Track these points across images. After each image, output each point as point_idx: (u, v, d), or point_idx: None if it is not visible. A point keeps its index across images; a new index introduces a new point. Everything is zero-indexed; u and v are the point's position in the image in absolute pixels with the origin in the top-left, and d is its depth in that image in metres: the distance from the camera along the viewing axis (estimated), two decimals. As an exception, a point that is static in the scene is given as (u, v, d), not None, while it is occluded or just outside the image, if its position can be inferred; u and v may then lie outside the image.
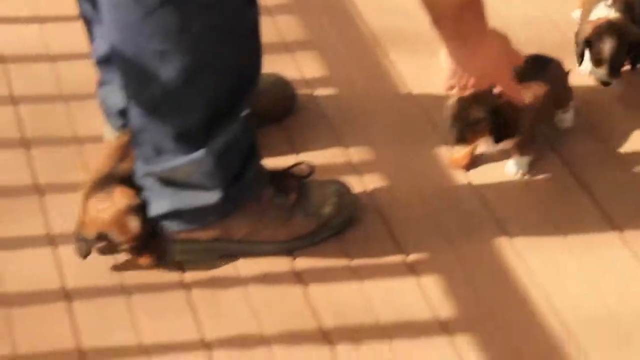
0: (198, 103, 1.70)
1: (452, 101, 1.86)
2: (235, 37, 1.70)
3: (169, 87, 1.68)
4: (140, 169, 1.78)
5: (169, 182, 1.76)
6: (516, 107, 1.88)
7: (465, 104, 1.84)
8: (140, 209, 1.78)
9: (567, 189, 1.94)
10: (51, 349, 1.68)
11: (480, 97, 1.85)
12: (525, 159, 1.96)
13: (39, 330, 1.71)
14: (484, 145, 1.94)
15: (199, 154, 1.72)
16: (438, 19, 1.71)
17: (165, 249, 1.79)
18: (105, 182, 1.79)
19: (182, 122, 1.71)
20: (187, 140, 1.72)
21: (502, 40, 1.80)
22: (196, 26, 1.65)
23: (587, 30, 2.04)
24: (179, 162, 1.73)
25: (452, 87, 1.84)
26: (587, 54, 2.07)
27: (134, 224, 1.77)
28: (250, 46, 1.74)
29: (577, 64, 2.07)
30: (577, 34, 2.09)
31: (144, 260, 1.79)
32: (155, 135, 1.73)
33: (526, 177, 1.96)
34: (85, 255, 1.78)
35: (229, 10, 1.67)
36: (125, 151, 1.87)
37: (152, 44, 1.65)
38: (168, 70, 1.67)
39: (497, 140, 1.88)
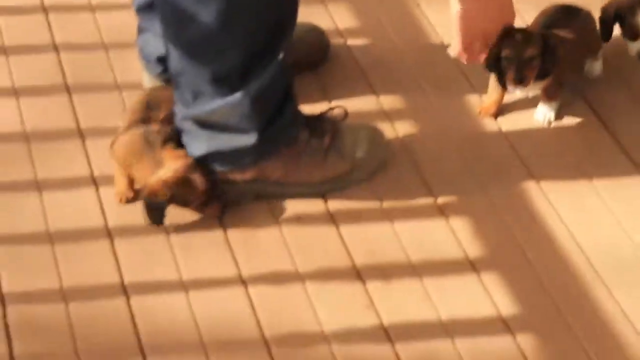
0: (235, 46, 1.75)
1: (503, 45, 1.88)
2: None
3: (207, 30, 1.73)
4: (180, 112, 1.84)
5: (206, 124, 1.82)
6: (561, 38, 1.93)
7: (518, 44, 1.87)
8: (197, 164, 1.82)
9: (594, 135, 1.99)
10: (94, 283, 1.76)
11: (529, 35, 1.89)
12: (554, 105, 2.01)
13: (83, 266, 1.78)
14: (512, 93, 1.99)
15: (236, 96, 1.77)
16: None
17: (227, 197, 1.84)
18: (143, 143, 1.84)
19: (219, 65, 1.77)
20: (224, 83, 1.77)
21: None
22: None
23: (619, 4, 2.06)
24: (216, 104, 1.79)
25: (463, 52, 1.86)
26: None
27: (199, 180, 1.81)
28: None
29: (603, 41, 2.09)
30: (604, 10, 2.09)
31: (211, 211, 1.84)
32: (194, 79, 1.78)
33: (553, 124, 2.01)
34: (160, 221, 1.80)
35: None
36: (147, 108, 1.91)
37: None
38: (206, 14, 1.71)
39: (544, 75, 1.91)
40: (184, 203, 1.81)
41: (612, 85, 2.08)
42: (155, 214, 1.80)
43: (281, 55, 1.79)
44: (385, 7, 2.27)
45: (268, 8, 1.75)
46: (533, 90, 1.97)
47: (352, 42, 2.20)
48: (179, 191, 1.79)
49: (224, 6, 1.71)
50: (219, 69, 1.77)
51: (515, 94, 1.98)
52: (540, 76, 1.93)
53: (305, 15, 2.17)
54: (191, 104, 1.81)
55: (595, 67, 2.09)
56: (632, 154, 1.94)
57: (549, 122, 2.01)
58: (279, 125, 1.84)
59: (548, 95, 2.00)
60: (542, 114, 2.01)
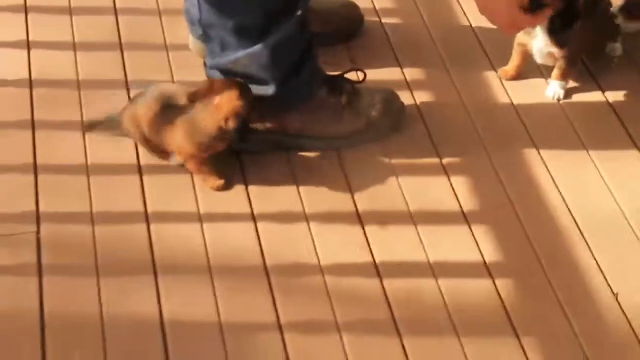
0: (256, 1, 1.91)
1: None
2: None
3: (232, -14, 1.91)
4: (209, 63, 2.02)
5: (231, 73, 1.98)
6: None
7: None
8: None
9: (599, 112, 2.11)
10: (120, 210, 1.93)
11: None
12: (564, 84, 2.12)
13: (112, 195, 1.96)
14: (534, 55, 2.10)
15: (256, 48, 1.94)
16: None
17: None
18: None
19: (242, 19, 1.93)
20: (247, 35, 1.94)
21: None
22: None
23: None
24: (239, 54, 1.96)
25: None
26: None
27: (252, 95, 1.93)
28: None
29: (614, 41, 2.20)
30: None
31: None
32: (221, 31, 1.95)
33: (562, 101, 2.13)
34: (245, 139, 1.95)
35: None
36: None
37: None
38: None
39: (556, 27, 2.01)
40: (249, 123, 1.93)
41: (625, 69, 2.18)
42: (243, 132, 1.92)
43: (299, 12, 1.94)
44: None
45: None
46: (547, 54, 2.07)
47: (386, 20, 2.36)
48: (246, 112, 1.91)
49: None
50: (242, 22, 1.93)
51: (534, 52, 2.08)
52: (560, 41, 2.04)
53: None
54: (218, 55, 1.98)
55: (617, 47, 2.20)
56: (631, 129, 2.03)
57: (558, 99, 2.13)
58: (299, 80, 1.99)
59: (561, 73, 2.12)
60: (553, 91, 2.13)
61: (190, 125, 1.95)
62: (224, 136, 1.93)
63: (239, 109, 1.92)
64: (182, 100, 1.96)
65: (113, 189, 1.98)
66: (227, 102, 1.91)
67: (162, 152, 2.01)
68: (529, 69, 2.19)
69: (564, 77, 2.12)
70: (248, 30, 1.93)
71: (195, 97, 1.95)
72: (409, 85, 2.17)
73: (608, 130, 2.06)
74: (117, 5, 2.39)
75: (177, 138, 1.95)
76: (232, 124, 1.91)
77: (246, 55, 1.95)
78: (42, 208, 1.93)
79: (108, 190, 1.97)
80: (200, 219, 1.91)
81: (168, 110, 1.96)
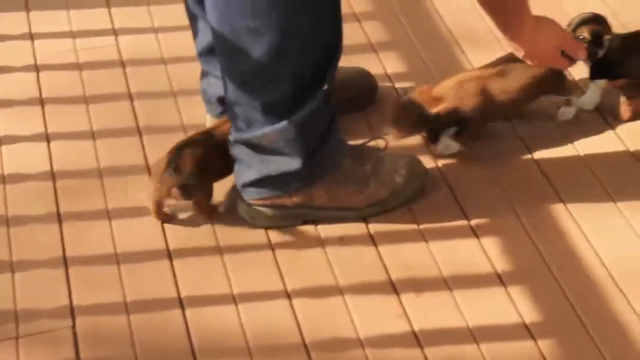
0: (284, 78, 1.93)
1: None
2: (320, 16, 1.91)
3: (259, 63, 1.91)
4: (233, 137, 2.02)
5: (257, 148, 1.98)
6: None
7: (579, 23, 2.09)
8: None
9: (621, 160, 2.11)
10: (154, 297, 1.93)
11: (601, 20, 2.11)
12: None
13: (144, 283, 1.96)
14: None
15: (283, 124, 1.95)
16: (484, 8, 1.93)
17: None
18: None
19: (269, 96, 1.94)
20: (273, 113, 1.95)
21: (548, 27, 2.00)
22: (285, 6, 1.88)
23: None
24: (265, 130, 1.96)
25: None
26: None
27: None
28: (332, 25, 1.95)
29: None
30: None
31: None
32: (246, 108, 1.97)
33: (582, 152, 2.12)
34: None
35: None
36: None
37: (245, 22, 1.88)
38: (258, 47, 1.89)
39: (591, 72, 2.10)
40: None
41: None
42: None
43: (325, 87, 1.96)
44: (432, 54, 2.45)
45: (316, 41, 1.92)
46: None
47: (399, 85, 2.37)
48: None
49: (277, 40, 1.89)
50: (269, 99, 1.95)
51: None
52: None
53: (358, 62, 2.38)
54: (244, 130, 1.99)
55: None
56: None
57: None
58: (323, 153, 2.01)
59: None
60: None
61: None
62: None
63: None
64: None
65: (144, 275, 1.98)
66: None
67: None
68: (546, 122, 2.21)
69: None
70: (275, 107, 1.94)
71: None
72: (428, 149, 2.19)
73: (631, 178, 2.06)
74: (132, 90, 2.42)
75: None
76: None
77: (273, 131, 1.96)
78: (75, 301, 1.94)
79: (139, 278, 1.97)
80: (234, 299, 1.91)
81: None
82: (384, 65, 2.43)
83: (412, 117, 2.10)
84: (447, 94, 2.11)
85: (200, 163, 2.05)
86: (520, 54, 2.02)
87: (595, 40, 2.12)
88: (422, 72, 2.39)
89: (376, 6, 2.61)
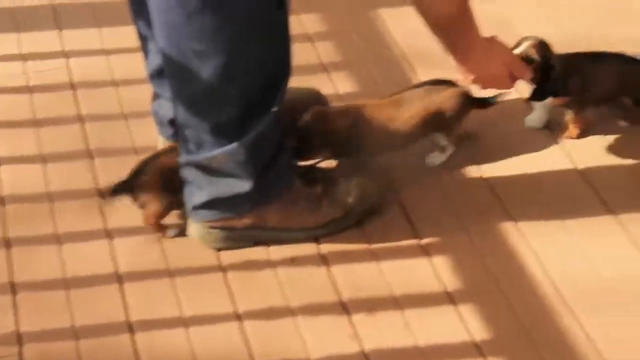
0: (233, 99, 1.92)
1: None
2: (267, 39, 1.91)
3: (207, 85, 1.90)
4: (183, 159, 2.01)
5: (207, 170, 1.98)
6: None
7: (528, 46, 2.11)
8: None
9: (569, 178, 2.11)
10: (103, 322, 1.90)
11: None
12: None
13: (94, 307, 1.94)
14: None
15: (233, 145, 1.94)
16: (432, 31, 1.94)
17: None
18: None
19: (218, 117, 1.94)
20: (223, 134, 1.94)
21: (497, 47, 2.01)
22: (231, 29, 1.87)
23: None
24: (215, 152, 1.95)
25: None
26: None
27: None
28: (280, 47, 1.95)
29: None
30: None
31: None
32: (196, 130, 1.96)
33: (534, 171, 2.14)
34: None
35: (261, 15, 1.89)
36: None
37: (192, 45, 1.88)
38: (206, 69, 1.89)
39: (536, 93, 2.12)
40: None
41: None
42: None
43: (275, 108, 1.96)
44: (384, 74, 2.45)
45: (264, 63, 1.92)
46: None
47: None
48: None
49: (224, 61, 1.89)
50: (218, 121, 1.94)
51: None
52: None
53: (310, 82, 2.38)
54: (193, 152, 1.98)
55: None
56: (602, 194, 2.06)
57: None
58: (274, 174, 2.00)
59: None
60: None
61: None
62: None
63: None
64: None
65: (94, 300, 1.95)
66: None
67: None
68: (496, 141, 2.23)
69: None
70: (225, 129, 1.94)
71: None
72: (381, 168, 2.19)
73: (579, 196, 2.08)
74: (82, 112, 2.40)
75: None
76: None
77: (223, 153, 1.95)
78: (23, 327, 1.90)
79: (89, 302, 1.95)
80: (184, 323, 1.89)
81: None
82: (336, 86, 2.43)
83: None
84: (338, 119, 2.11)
85: (162, 174, 2.04)
86: (469, 77, 2.03)
87: (545, 61, 2.15)
88: (374, 92, 2.39)
89: (328, 26, 2.61)
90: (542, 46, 2.13)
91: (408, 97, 2.11)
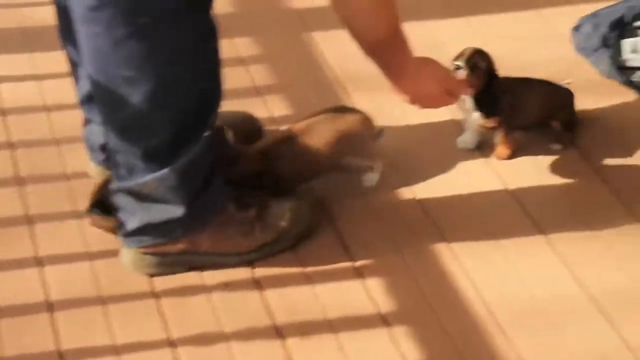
0: (163, 125, 1.92)
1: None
2: (196, 65, 1.91)
3: (137, 111, 1.89)
4: (115, 186, 2.00)
5: (139, 196, 1.96)
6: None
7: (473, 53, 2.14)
8: None
9: (501, 198, 2.13)
10: (33, 352, 1.88)
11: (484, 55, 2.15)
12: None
13: (23, 336, 1.90)
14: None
15: (165, 171, 1.93)
16: (365, 53, 1.95)
17: None
18: None
19: (149, 143, 1.93)
20: (155, 160, 1.93)
21: (430, 65, 2.02)
22: (159, 56, 1.87)
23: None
24: (146, 178, 1.94)
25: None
26: None
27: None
28: (210, 72, 1.95)
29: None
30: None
31: None
32: (127, 156, 1.94)
33: (465, 192, 2.15)
34: None
35: (190, 42, 1.89)
36: None
37: (121, 71, 1.87)
38: (135, 96, 1.88)
39: (480, 109, 2.15)
40: None
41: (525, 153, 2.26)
42: None
43: (207, 133, 1.95)
44: (319, 98, 2.43)
45: (194, 89, 1.92)
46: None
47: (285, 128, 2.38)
48: None
49: (153, 87, 1.88)
50: (149, 147, 1.93)
51: None
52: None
53: (244, 106, 2.38)
54: (125, 178, 1.96)
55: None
56: (533, 214, 2.08)
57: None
58: (206, 199, 1.99)
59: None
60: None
61: None
62: None
63: None
64: None
65: (23, 329, 1.92)
66: None
67: None
68: (430, 165, 2.23)
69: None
70: (156, 155, 1.92)
71: None
72: (314, 190, 2.18)
73: (511, 216, 2.09)
74: (13, 139, 2.37)
75: None
76: None
77: (154, 179, 1.93)
78: (-51, 358, 1.89)
79: (18, 332, 1.91)
80: (116, 351, 1.86)
81: None
82: (270, 109, 2.43)
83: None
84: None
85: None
86: (405, 99, 2.03)
87: (491, 67, 2.17)
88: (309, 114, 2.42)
89: (262, 49, 2.61)
90: (485, 54, 2.17)
91: (315, 125, 2.12)
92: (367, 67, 2.49)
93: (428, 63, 2.04)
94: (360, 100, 2.42)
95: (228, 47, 2.63)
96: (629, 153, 2.25)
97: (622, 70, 2.43)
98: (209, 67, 1.94)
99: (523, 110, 2.22)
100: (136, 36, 1.84)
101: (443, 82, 2.06)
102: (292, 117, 2.43)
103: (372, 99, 2.40)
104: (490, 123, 2.22)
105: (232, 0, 2.74)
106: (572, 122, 2.29)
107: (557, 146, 2.26)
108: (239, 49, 2.60)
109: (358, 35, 1.93)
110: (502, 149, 2.24)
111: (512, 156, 2.23)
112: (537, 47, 2.53)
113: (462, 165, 2.24)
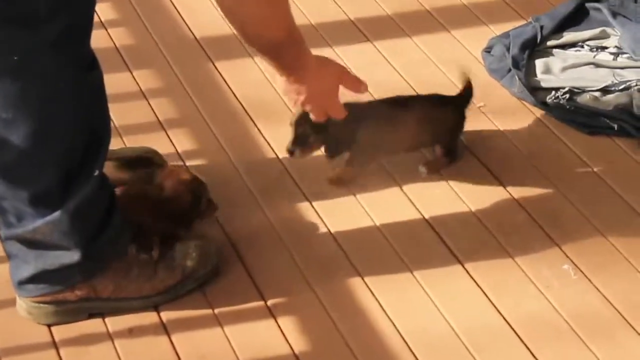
0: (49, 166, 1.81)
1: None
2: (78, 101, 1.81)
3: (19, 153, 1.78)
4: (4, 234, 1.88)
5: (30, 243, 1.85)
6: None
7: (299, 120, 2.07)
8: None
9: (417, 229, 2.07)
10: None
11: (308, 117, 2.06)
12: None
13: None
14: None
15: (55, 215, 1.82)
16: (263, 57, 1.88)
17: None
18: None
19: (36, 186, 1.82)
20: (44, 203, 1.82)
21: (327, 63, 1.95)
22: (36, 94, 1.76)
23: None
24: (37, 223, 1.83)
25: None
26: None
27: None
28: (96, 107, 1.85)
29: None
30: None
31: None
32: (14, 201, 1.83)
33: (379, 224, 2.08)
34: None
35: (67, 78, 1.78)
36: None
37: None
38: (16, 137, 1.77)
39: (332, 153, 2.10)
40: None
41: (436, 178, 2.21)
42: None
43: (97, 172, 1.85)
44: (224, 129, 2.35)
45: (77, 127, 1.81)
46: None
47: (191, 162, 2.26)
48: None
49: (34, 128, 1.77)
50: (36, 190, 1.82)
51: None
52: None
53: (147, 141, 2.28)
54: (15, 225, 1.85)
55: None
56: (450, 244, 2.03)
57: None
58: (103, 241, 1.88)
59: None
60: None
61: None
62: None
63: None
64: None
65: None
66: None
67: None
68: (340, 196, 2.15)
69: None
70: (44, 198, 1.82)
71: None
72: (222, 227, 2.10)
73: (427, 247, 2.03)
74: None
75: None
76: None
77: (45, 224, 1.82)
78: None
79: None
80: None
81: None
82: (174, 144, 2.34)
83: None
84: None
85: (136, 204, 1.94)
86: (297, 98, 1.94)
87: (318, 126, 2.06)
88: (214, 148, 2.30)
89: (164, 82, 2.51)
90: (302, 120, 2.06)
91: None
92: (273, 95, 2.42)
93: (325, 60, 1.98)
94: (266, 130, 2.33)
95: (126, 80, 2.55)
96: (544, 176, 2.23)
97: (535, 91, 2.42)
98: (93, 102, 1.83)
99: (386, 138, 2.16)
100: (9, 74, 1.73)
101: (341, 76, 1.99)
102: (197, 152, 2.32)
103: (278, 128, 2.29)
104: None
105: (131, 33, 2.66)
106: (451, 147, 2.22)
107: (423, 169, 2.19)
108: (138, 82, 2.49)
109: (255, 41, 1.84)
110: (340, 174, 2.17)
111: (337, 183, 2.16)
112: (448, 69, 2.50)
113: (377, 197, 2.15)
